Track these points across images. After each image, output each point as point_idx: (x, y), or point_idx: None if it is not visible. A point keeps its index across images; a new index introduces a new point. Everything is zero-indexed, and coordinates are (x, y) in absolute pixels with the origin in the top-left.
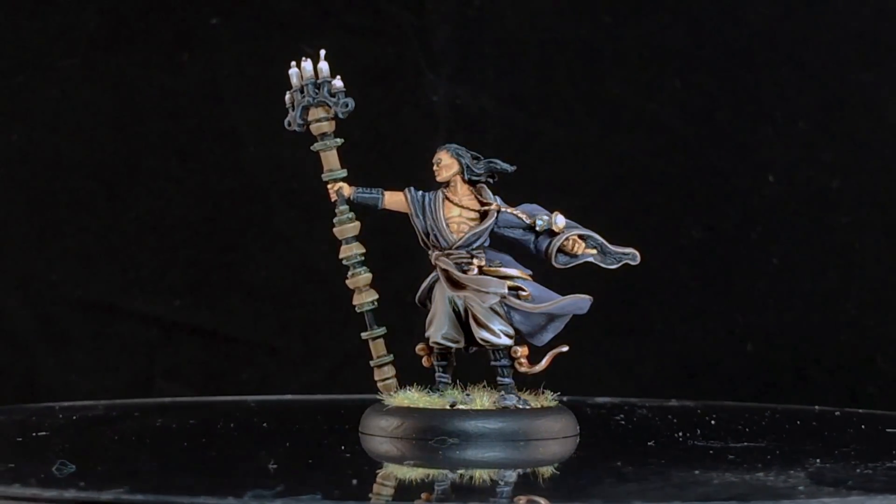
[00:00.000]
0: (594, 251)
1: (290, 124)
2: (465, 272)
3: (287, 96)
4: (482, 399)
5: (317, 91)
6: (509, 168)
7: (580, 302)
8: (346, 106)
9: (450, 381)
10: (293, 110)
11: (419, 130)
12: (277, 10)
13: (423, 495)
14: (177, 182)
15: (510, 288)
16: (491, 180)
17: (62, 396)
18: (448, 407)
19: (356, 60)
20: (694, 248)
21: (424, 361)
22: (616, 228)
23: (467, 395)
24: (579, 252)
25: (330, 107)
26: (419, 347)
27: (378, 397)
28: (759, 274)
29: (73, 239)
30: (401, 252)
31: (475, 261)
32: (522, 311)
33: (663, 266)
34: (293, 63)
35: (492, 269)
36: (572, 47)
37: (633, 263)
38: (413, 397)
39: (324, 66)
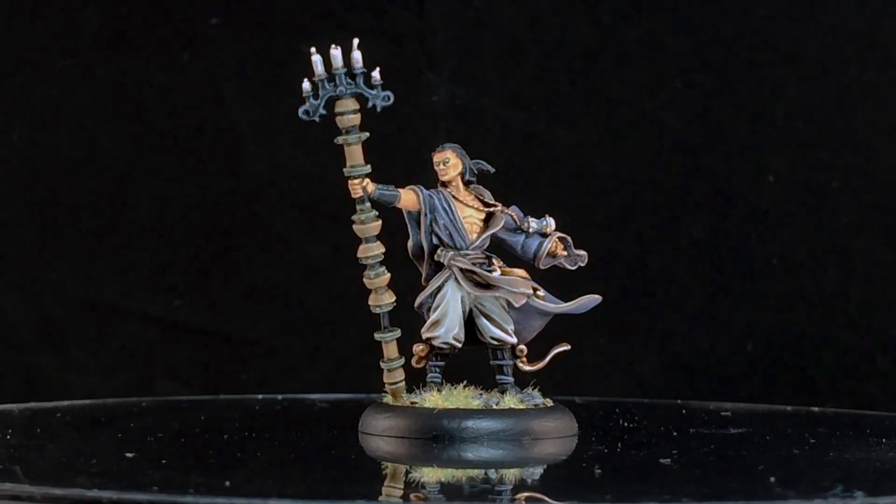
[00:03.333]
0: (566, 253)
1: (308, 114)
2: (489, 272)
3: (306, 84)
4: (510, 398)
5: (351, 82)
6: (492, 169)
7: (592, 301)
8: (388, 99)
9: (441, 382)
10: (315, 99)
11: (419, 130)
12: (277, 10)
13: (413, 496)
14: (177, 182)
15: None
16: (474, 180)
17: (62, 396)
18: (493, 406)
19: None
20: (694, 248)
21: (415, 362)
22: (616, 228)
23: (479, 395)
24: (558, 253)
25: (367, 98)
26: (420, 348)
27: (381, 396)
28: (759, 274)
29: (73, 239)
30: (400, 253)
31: (496, 261)
32: (530, 310)
33: (663, 266)
34: (313, 49)
35: (507, 269)
36: (572, 47)
37: (582, 265)
38: (442, 398)
39: (357, 55)
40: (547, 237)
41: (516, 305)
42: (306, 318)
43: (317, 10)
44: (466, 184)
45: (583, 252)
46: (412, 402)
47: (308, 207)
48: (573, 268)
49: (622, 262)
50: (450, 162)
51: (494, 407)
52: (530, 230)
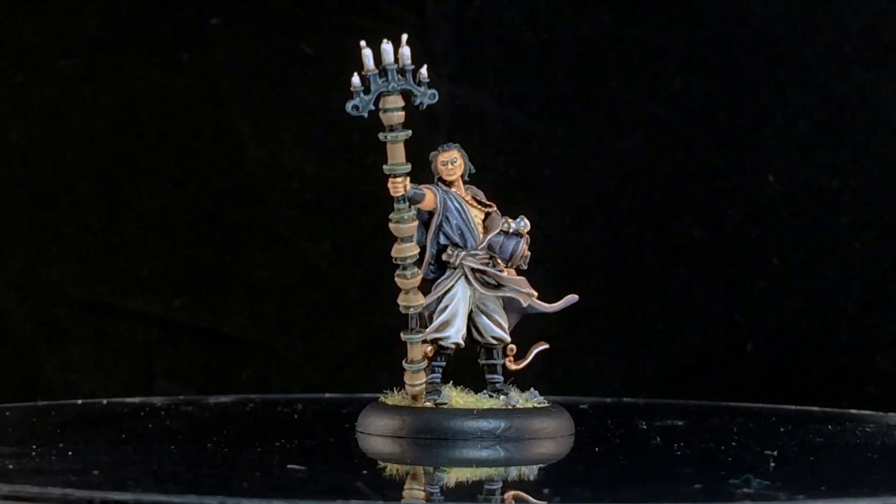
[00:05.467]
0: (526, 254)
1: (357, 109)
2: (499, 273)
3: (356, 79)
4: (521, 398)
5: (401, 78)
6: (474, 169)
7: (571, 301)
8: (434, 97)
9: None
10: (366, 94)
11: (419, 130)
12: (277, 10)
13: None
14: (177, 182)
15: None
16: (468, 179)
17: (62, 396)
18: (511, 406)
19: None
20: (694, 248)
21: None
22: (616, 228)
23: (485, 394)
24: (524, 254)
25: (416, 95)
26: (428, 349)
27: (386, 395)
28: (759, 274)
29: (73, 239)
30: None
31: (500, 262)
32: (511, 310)
33: (663, 266)
34: (363, 43)
35: (508, 269)
36: (572, 47)
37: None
38: (464, 398)
39: (406, 51)
40: (521, 237)
41: (524, 305)
42: (306, 318)
43: (317, 10)
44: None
45: (528, 252)
46: (437, 404)
47: (308, 207)
48: (525, 268)
49: (622, 262)
50: (457, 162)
51: (518, 406)
52: (510, 230)
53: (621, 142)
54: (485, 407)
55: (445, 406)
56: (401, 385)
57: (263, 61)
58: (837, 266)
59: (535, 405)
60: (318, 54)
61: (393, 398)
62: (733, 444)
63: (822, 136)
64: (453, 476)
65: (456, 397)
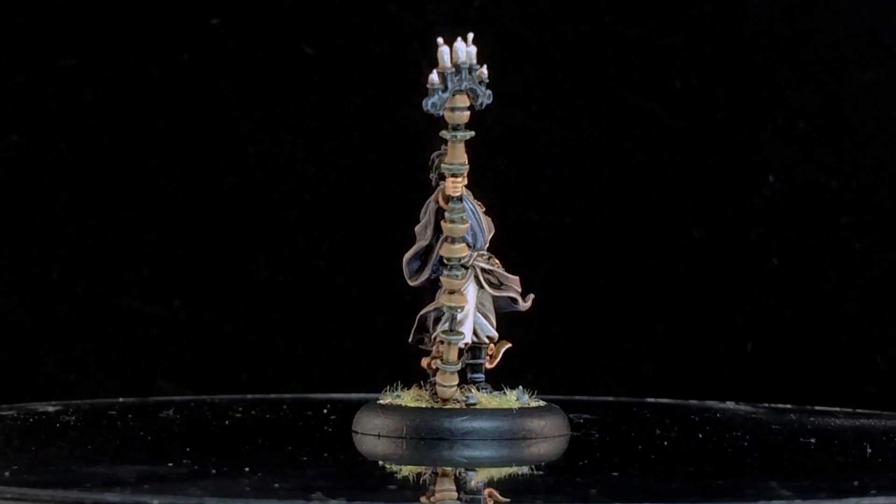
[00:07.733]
0: None
1: (436, 107)
2: (502, 273)
3: (436, 76)
4: (532, 398)
5: (469, 76)
6: None
7: (532, 298)
8: (490, 97)
9: None
10: (444, 92)
11: (419, 130)
12: (277, 10)
13: (422, 499)
14: (177, 182)
15: None
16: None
17: (62, 396)
18: (531, 404)
19: (356, 60)
20: (694, 248)
21: (425, 363)
22: (616, 228)
23: (488, 393)
24: None
25: (478, 95)
26: (436, 350)
27: (396, 396)
28: (759, 274)
29: (73, 239)
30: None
31: (497, 262)
32: (511, 310)
33: (663, 266)
34: (441, 40)
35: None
36: (572, 47)
37: None
38: (489, 398)
39: (472, 50)
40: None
41: (522, 303)
42: (306, 318)
43: (317, 10)
44: None
45: None
46: (468, 405)
47: (308, 207)
48: None
49: (622, 262)
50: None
51: (533, 405)
52: None
53: (621, 142)
54: (515, 406)
55: (477, 406)
56: (400, 384)
57: (263, 61)
58: (837, 266)
59: (539, 403)
60: (318, 54)
61: (406, 398)
62: (734, 446)
63: (822, 136)
64: (479, 476)
65: (481, 398)
